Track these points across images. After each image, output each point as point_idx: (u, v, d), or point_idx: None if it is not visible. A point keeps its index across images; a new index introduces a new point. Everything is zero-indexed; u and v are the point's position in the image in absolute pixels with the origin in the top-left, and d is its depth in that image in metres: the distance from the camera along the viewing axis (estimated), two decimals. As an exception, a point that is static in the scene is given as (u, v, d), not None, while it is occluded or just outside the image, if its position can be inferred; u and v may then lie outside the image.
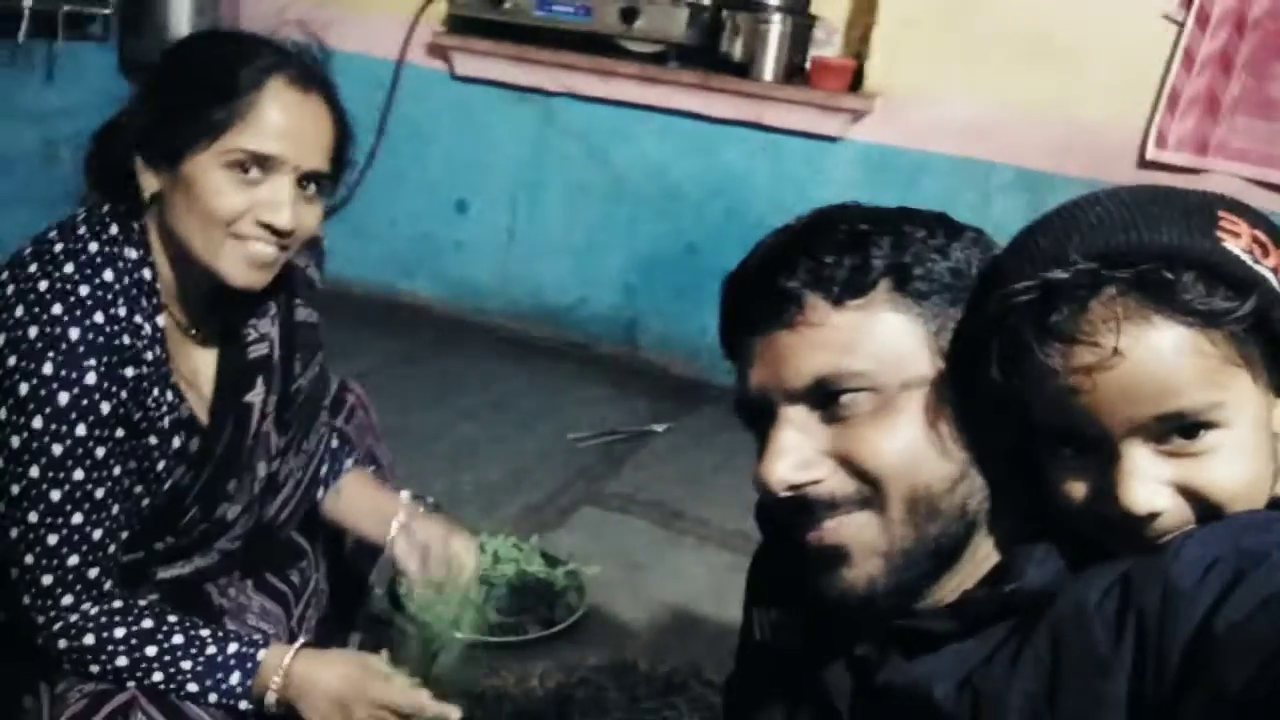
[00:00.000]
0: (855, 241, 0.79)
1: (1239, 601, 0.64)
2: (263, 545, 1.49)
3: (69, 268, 1.18)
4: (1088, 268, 0.68)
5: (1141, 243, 0.68)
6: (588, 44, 3.30)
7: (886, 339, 0.78)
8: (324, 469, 1.55)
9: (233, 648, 1.26)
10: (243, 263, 1.23)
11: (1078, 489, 0.74)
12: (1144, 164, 2.84)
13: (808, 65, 3.18)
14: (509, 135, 3.49)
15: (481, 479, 2.57)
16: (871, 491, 0.77)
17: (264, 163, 1.19)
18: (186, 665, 1.23)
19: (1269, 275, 0.69)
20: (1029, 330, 0.70)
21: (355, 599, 1.75)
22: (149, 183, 1.20)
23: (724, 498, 2.54)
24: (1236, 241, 0.69)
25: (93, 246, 1.21)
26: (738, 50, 3.16)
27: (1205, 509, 0.71)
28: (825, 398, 0.78)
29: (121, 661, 1.22)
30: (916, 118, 3.04)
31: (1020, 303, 0.70)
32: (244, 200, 1.19)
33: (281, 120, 1.19)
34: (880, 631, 0.83)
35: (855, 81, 3.12)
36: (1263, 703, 0.59)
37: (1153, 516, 0.70)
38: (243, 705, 1.25)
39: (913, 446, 0.77)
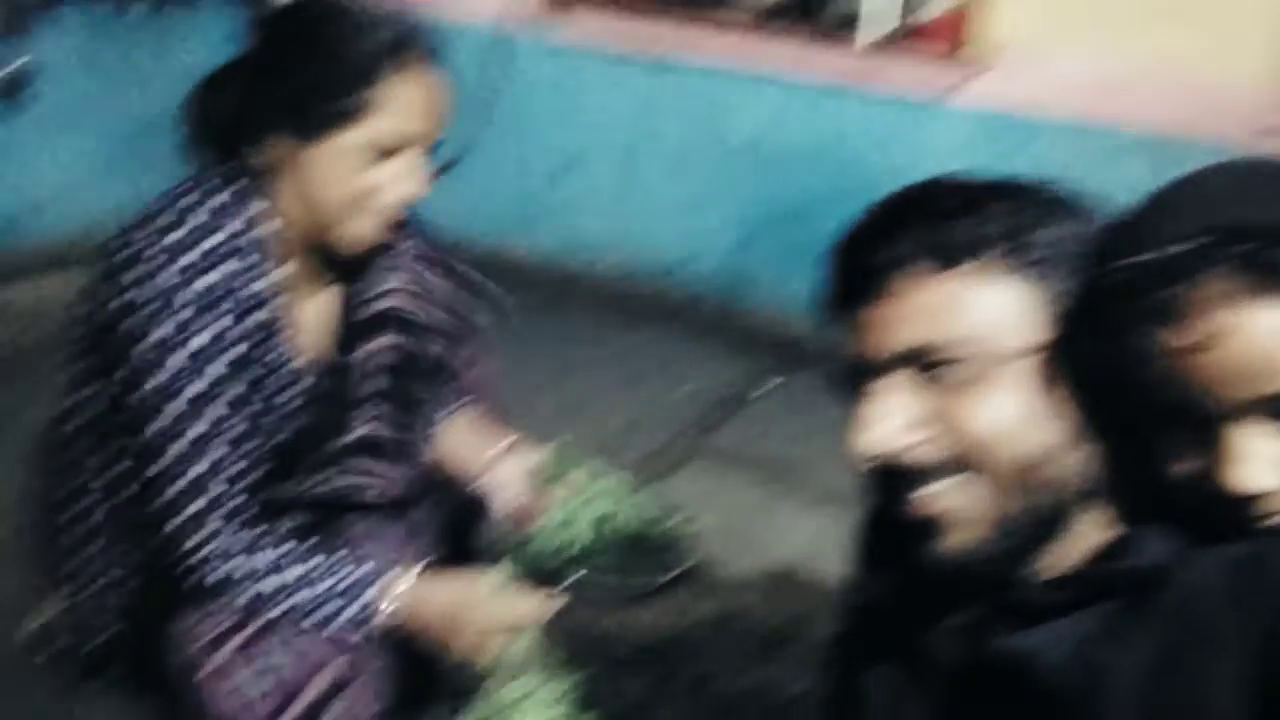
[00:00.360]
0: (965, 208, 0.80)
1: None
2: (390, 477, 1.57)
3: (196, 220, 1.26)
4: (1197, 245, 0.68)
5: (1254, 220, 0.67)
6: (696, 2, 3.29)
7: (993, 307, 0.78)
8: (440, 408, 1.61)
9: (366, 568, 1.34)
10: (368, 229, 1.30)
11: (1185, 467, 0.74)
12: (1268, 130, 2.71)
13: (918, 24, 3.11)
14: (617, 95, 3.51)
15: (591, 434, 2.63)
16: (972, 459, 0.78)
17: (401, 143, 1.25)
18: (323, 587, 1.32)
19: None
20: (1137, 307, 0.70)
21: (474, 536, 1.83)
22: (280, 149, 1.27)
23: (833, 455, 2.52)
24: None
25: (218, 200, 1.28)
26: (846, 9, 3.12)
27: None
28: (927, 364, 0.78)
29: (263, 587, 1.31)
30: (1032, 77, 2.96)
31: (1129, 278, 0.71)
32: (375, 179, 1.25)
33: (417, 101, 1.25)
34: (984, 600, 0.84)
35: (967, 41, 3.05)
36: None
37: (1260, 496, 0.70)
38: (376, 622, 1.32)
39: (1016, 415, 0.77)
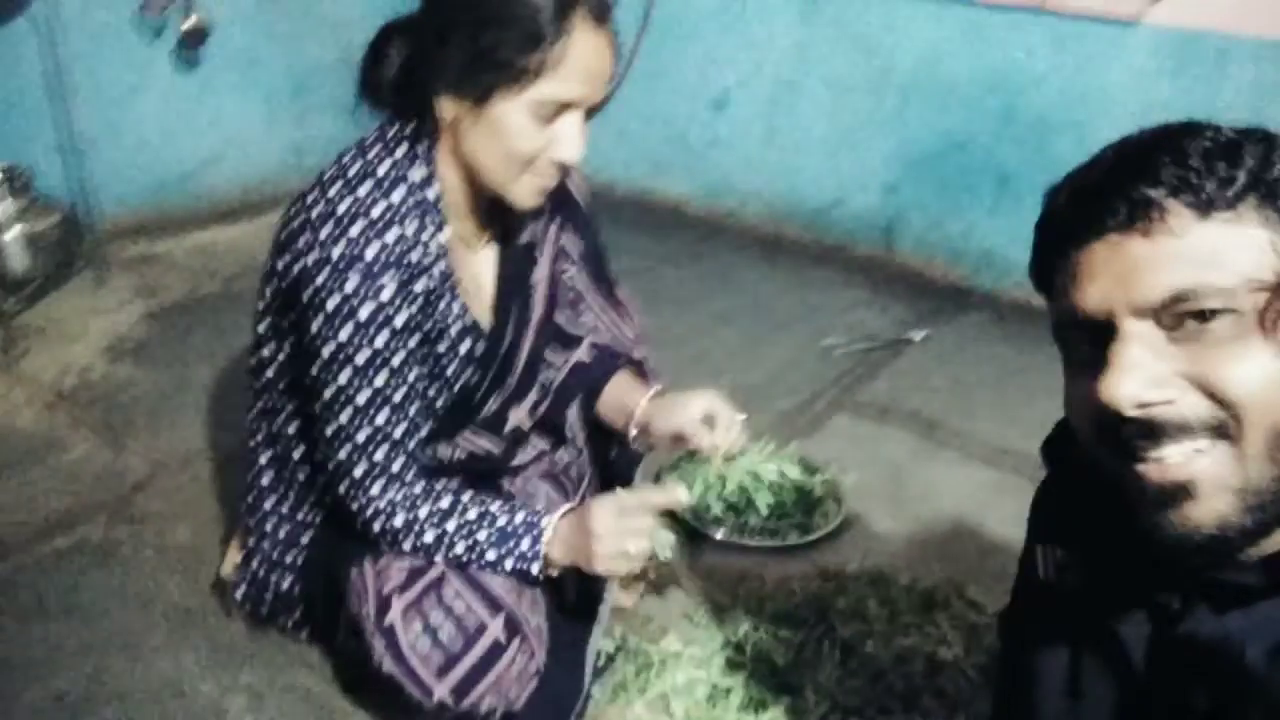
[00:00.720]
0: (1224, 151, 0.74)
1: None
2: (544, 437, 1.60)
3: (364, 189, 1.29)
4: None
5: None
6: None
7: (1253, 256, 0.72)
8: (596, 368, 1.62)
9: (520, 516, 1.38)
10: (533, 192, 1.30)
11: None
12: None
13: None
14: (771, 30, 3.40)
15: (737, 384, 2.58)
16: (1228, 420, 0.72)
17: (568, 106, 1.24)
18: (483, 535, 1.37)
19: None
20: None
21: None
22: (447, 110, 1.28)
23: (986, 411, 2.46)
24: None
25: (383, 168, 1.31)
26: (1022, -73, 2.90)
27: None
28: (1179, 315, 0.73)
29: (428, 537, 1.37)
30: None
31: None
32: (543, 140, 1.25)
33: (586, 67, 1.24)
34: (1187, 580, 0.79)
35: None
36: None
37: None
38: (534, 568, 1.37)
39: (1274, 377, 0.72)
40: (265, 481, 1.55)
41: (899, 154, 3.27)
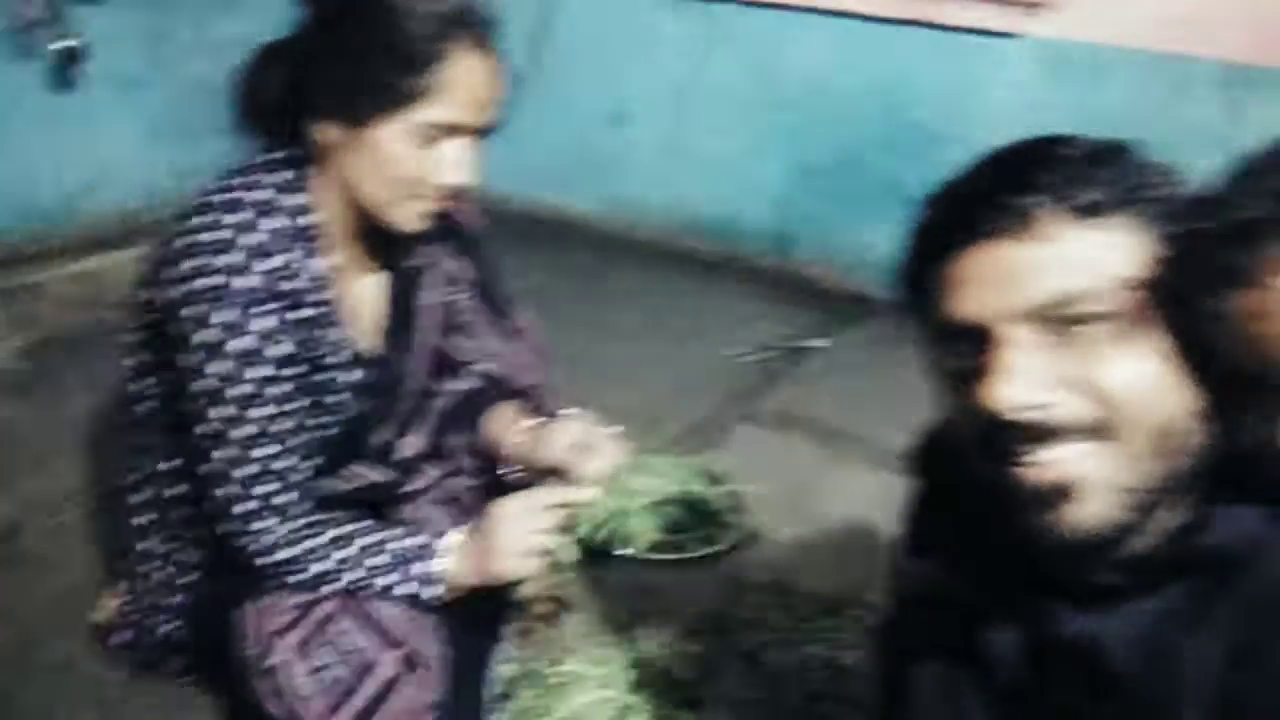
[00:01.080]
0: (1092, 160, 0.76)
1: None
2: (438, 464, 1.57)
3: (236, 217, 1.23)
4: (1266, 210, 0.65)
5: None
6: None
7: (1124, 260, 0.74)
8: (480, 398, 1.59)
9: (414, 541, 1.34)
10: (416, 216, 1.27)
11: (1259, 436, 0.70)
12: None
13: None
14: (669, 44, 3.42)
15: (641, 397, 2.61)
16: (1107, 421, 0.73)
17: (449, 131, 1.21)
18: (375, 563, 1.32)
19: None
20: (1208, 270, 0.68)
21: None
22: (326, 134, 1.24)
23: (885, 416, 2.49)
24: None
25: (258, 195, 1.26)
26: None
27: None
28: (1057, 320, 0.74)
29: (317, 569, 1.32)
30: (1100, 8, 2.81)
31: (1203, 241, 0.69)
32: (425, 164, 1.22)
33: (468, 91, 1.21)
34: (1057, 585, 0.80)
35: (1034, -29, 2.90)
36: None
37: None
38: (429, 593, 1.33)
39: (1153, 377, 0.73)
40: (143, 522, 1.48)
41: (796, 166, 3.32)
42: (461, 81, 1.20)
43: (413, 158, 1.22)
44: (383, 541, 1.35)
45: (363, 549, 1.34)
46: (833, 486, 2.26)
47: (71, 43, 3.00)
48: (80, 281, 3.06)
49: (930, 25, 3.01)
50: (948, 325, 0.78)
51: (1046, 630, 0.81)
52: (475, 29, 1.22)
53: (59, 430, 2.32)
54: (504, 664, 1.64)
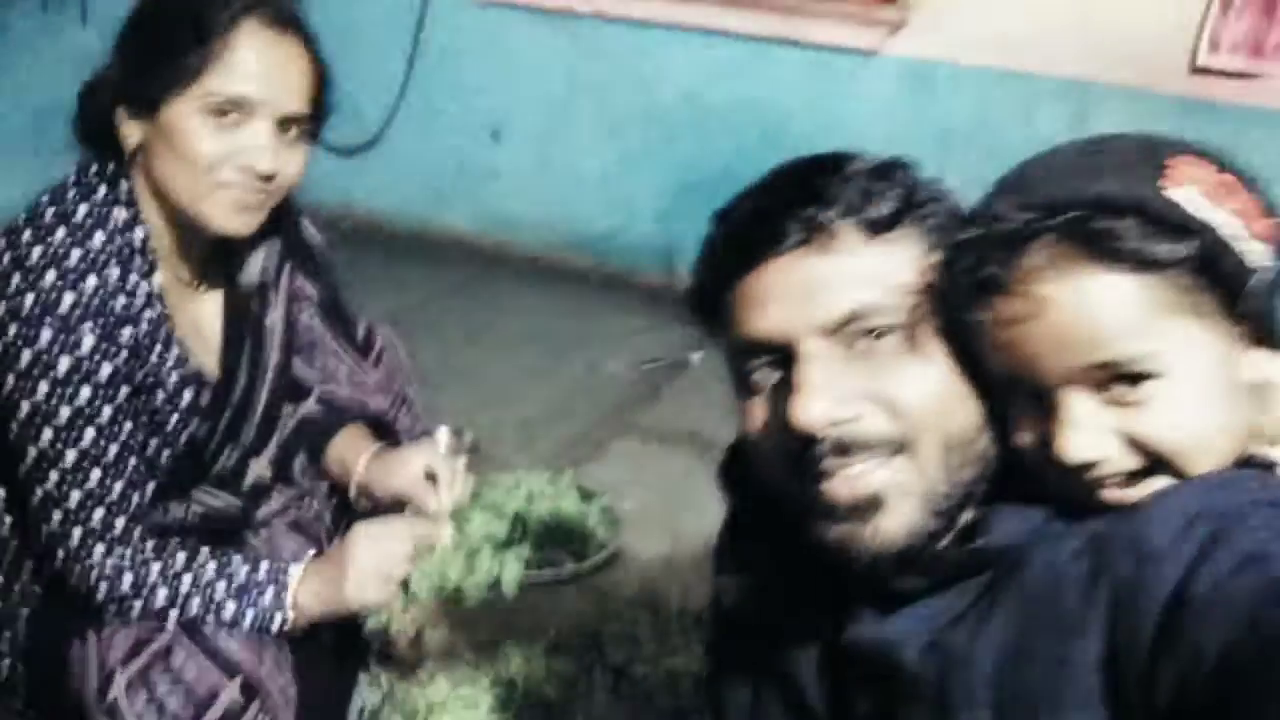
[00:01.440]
0: (880, 175, 0.77)
1: (1218, 562, 0.63)
2: (288, 489, 1.54)
3: (59, 234, 1.20)
4: (1022, 219, 0.68)
5: (1078, 192, 0.67)
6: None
7: (913, 275, 0.75)
8: (331, 416, 1.56)
9: (264, 568, 1.31)
10: (227, 209, 1.24)
11: (1030, 438, 0.73)
12: (1195, 70, 2.71)
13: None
14: (541, 60, 3.43)
15: (519, 413, 2.61)
16: (906, 434, 0.74)
17: (242, 106, 1.19)
18: (221, 588, 1.29)
19: (1223, 221, 0.67)
20: (973, 279, 0.70)
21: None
22: (131, 133, 1.21)
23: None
24: (1184, 188, 0.67)
25: (81, 210, 1.22)
26: (770, -37, 3.06)
27: (1153, 459, 0.70)
28: (854, 334, 0.74)
29: (160, 595, 1.28)
30: (954, 28, 2.93)
31: (967, 252, 0.71)
32: (224, 145, 1.19)
33: (257, 62, 1.19)
34: (857, 595, 0.81)
35: (893, -8, 3.01)
36: (1245, 667, 0.58)
37: (1090, 466, 0.69)
38: (278, 620, 1.30)
39: (946, 387, 0.75)
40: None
41: (672, 181, 3.36)
42: (251, 55, 1.18)
43: (209, 136, 1.19)
44: (229, 569, 1.32)
45: (210, 576, 1.30)
46: (705, 498, 2.28)
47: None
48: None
49: (798, 43, 3.09)
50: (748, 342, 0.78)
51: (846, 641, 0.81)
52: (263, 6, 1.21)
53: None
54: (367, 691, 1.62)
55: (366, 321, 1.71)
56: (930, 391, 0.74)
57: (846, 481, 0.75)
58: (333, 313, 1.56)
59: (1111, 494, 0.71)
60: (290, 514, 1.55)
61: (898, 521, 0.75)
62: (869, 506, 0.75)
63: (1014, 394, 0.73)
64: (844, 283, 0.74)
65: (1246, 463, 0.75)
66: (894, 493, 0.75)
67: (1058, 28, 2.82)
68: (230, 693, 1.27)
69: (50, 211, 1.22)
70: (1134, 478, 0.70)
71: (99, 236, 1.22)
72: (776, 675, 0.90)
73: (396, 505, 1.50)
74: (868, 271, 0.75)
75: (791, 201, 0.76)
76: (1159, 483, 0.70)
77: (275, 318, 1.45)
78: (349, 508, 1.62)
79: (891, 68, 3.04)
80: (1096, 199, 0.66)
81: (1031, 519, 0.75)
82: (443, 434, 2.29)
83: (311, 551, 1.37)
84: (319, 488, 1.57)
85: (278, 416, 1.48)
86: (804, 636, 0.87)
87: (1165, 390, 0.68)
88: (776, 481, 0.80)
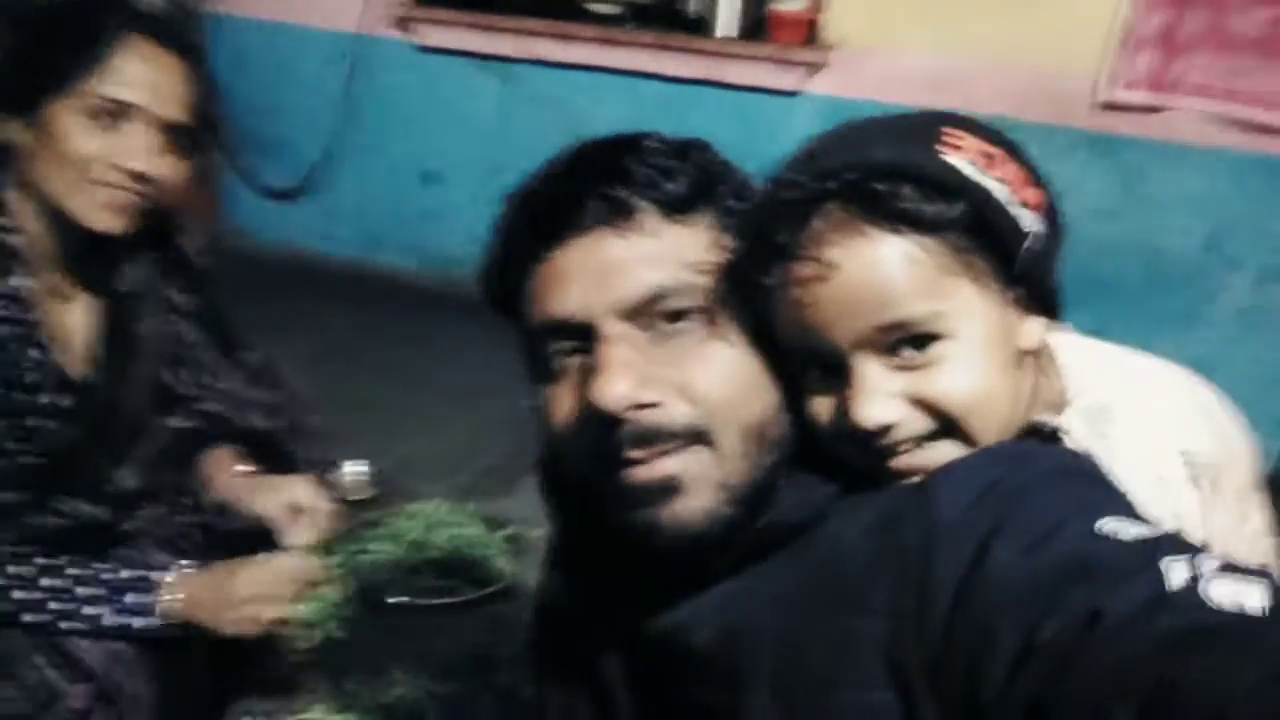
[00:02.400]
0: (677, 156, 0.77)
1: (1010, 538, 0.62)
2: (160, 501, 1.52)
3: None
4: (805, 187, 0.69)
5: (858, 159, 0.68)
6: (548, 8, 3.28)
7: (711, 256, 0.75)
8: (206, 431, 1.55)
9: (126, 573, 1.31)
10: (100, 206, 1.26)
11: (824, 410, 0.73)
12: (1103, 106, 2.78)
13: (769, 18, 3.14)
14: (474, 104, 3.49)
15: (439, 446, 2.61)
16: (705, 422, 0.73)
17: (122, 110, 1.23)
18: (83, 592, 1.28)
19: (993, 185, 0.69)
20: (761, 249, 0.70)
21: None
22: (9, 132, 1.24)
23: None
24: (958, 154, 0.69)
25: None
26: (695, 7, 3.13)
27: (942, 421, 0.70)
28: (655, 316, 0.74)
29: (20, 595, 1.27)
30: (873, 69, 3.00)
31: (754, 222, 0.72)
32: (101, 145, 1.23)
33: (139, 70, 1.24)
34: (661, 586, 0.79)
35: (816, 35, 3.08)
36: (1047, 650, 0.56)
37: (885, 430, 0.69)
38: (138, 622, 1.29)
39: (743, 373, 0.74)
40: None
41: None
42: (131, 63, 1.23)
43: (86, 135, 1.23)
44: (95, 572, 1.31)
45: (74, 579, 1.29)
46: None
47: None
48: None
49: (721, 85, 3.15)
50: (548, 324, 0.76)
51: (645, 632, 0.80)
52: (148, 21, 1.26)
53: None
54: (244, 714, 1.59)
55: (261, 351, 1.72)
56: (729, 377, 0.74)
57: (646, 467, 0.73)
58: (212, 329, 1.56)
59: (903, 461, 0.71)
60: (158, 528, 1.53)
61: (695, 507, 0.73)
62: (668, 490, 0.73)
63: (807, 366, 0.73)
64: (643, 263, 0.73)
65: (1031, 432, 0.76)
66: (691, 478, 0.73)
67: (970, 69, 2.89)
68: (75, 695, 1.26)
69: None
70: (924, 441, 0.71)
71: None
72: (587, 674, 0.89)
73: (263, 529, 1.50)
74: (667, 252, 0.74)
75: (589, 180, 0.75)
76: (948, 448, 0.71)
77: (148, 327, 1.46)
78: (218, 525, 1.61)
79: (812, 106, 3.10)
80: (875, 164, 0.67)
81: (820, 493, 0.75)
82: (348, 466, 2.27)
83: (179, 564, 1.36)
84: (189, 503, 1.56)
85: (146, 425, 1.48)
86: (611, 634, 0.86)
87: (951, 351, 0.69)
88: (579, 469, 0.78)
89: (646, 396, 0.72)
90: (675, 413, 0.73)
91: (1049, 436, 0.76)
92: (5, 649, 1.27)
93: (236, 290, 3.82)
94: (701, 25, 3.12)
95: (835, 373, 0.71)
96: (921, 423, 0.70)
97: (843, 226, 0.67)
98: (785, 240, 0.69)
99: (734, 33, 3.09)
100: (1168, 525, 0.63)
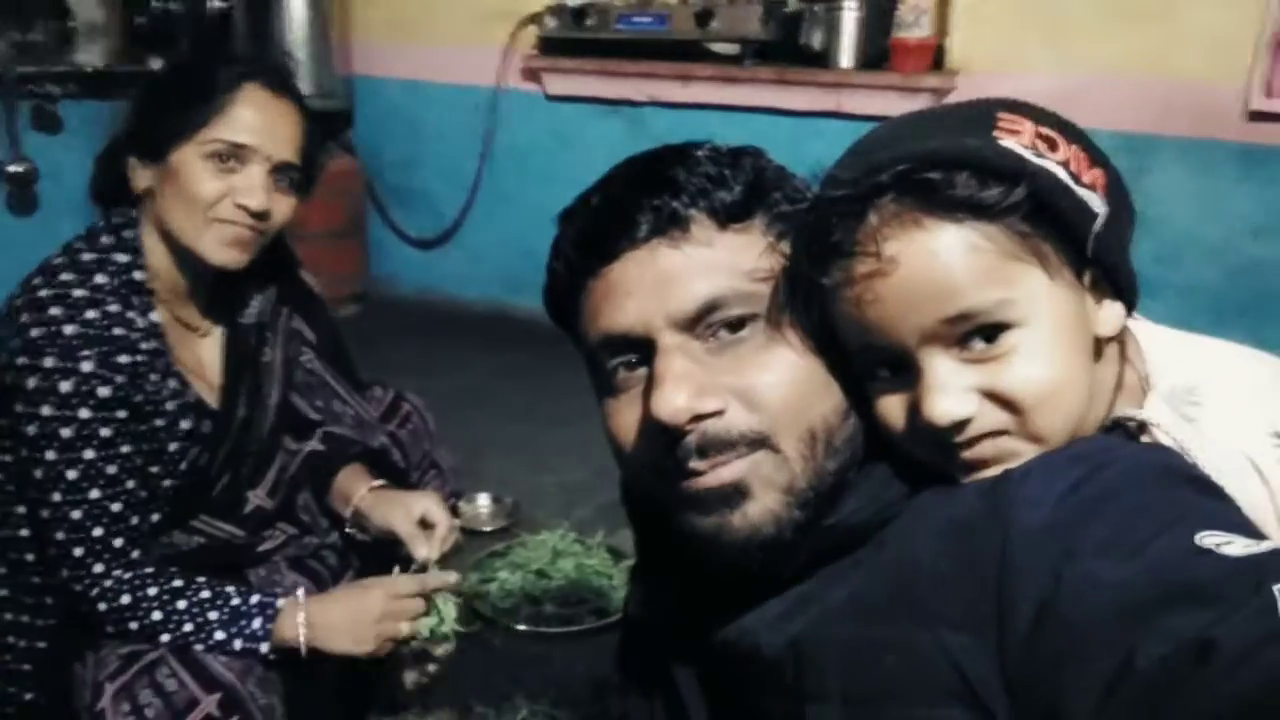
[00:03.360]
0: (729, 164, 0.77)
1: (1095, 551, 0.59)
2: (290, 525, 1.61)
3: (66, 275, 1.35)
4: (859, 183, 0.67)
5: (911, 150, 0.67)
6: (669, 51, 3.36)
7: (770, 265, 0.74)
8: (333, 453, 1.63)
9: (255, 598, 1.39)
10: (222, 243, 1.38)
11: (894, 409, 0.71)
12: (1252, 116, 2.62)
13: (890, 48, 3.11)
14: (601, 147, 3.58)
15: (564, 480, 2.65)
16: (768, 427, 0.72)
17: (239, 152, 1.34)
18: (214, 615, 1.36)
19: (1055, 168, 0.67)
20: (815, 252, 0.69)
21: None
22: (141, 178, 1.38)
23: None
24: (1015, 138, 0.67)
25: (86, 256, 1.38)
26: (815, 41, 3.14)
27: (1015, 413, 0.68)
28: (712, 325, 0.73)
29: (156, 616, 1.36)
30: (1002, 91, 2.90)
31: (814, 222, 0.70)
32: (222, 186, 1.35)
33: (254, 116, 1.36)
34: (733, 597, 0.78)
35: (938, 61, 3.04)
36: (1136, 681, 0.53)
37: (959, 426, 0.67)
38: (264, 648, 1.36)
39: (805, 377, 0.73)
40: (3, 593, 1.53)
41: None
42: (249, 110, 1.35)
43: (209, 178, 1.35)
44: (225, 595, 1.39)
45: (205, 600, 1.38)
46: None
47: (23, 170, 3.20)
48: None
49: (840, 115, 3.14)
50: (606, 338, 0.76)
51: (715, 641, 0.79)
52: (263, 72, 1.39)
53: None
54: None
55: (394, 390, 1.81)
56: (790, 381, 0.73)
57: (713, 473, 0.73)
58: (333, 357, 1.66)
59: (977, 454, 0.69)
60: (290, 549, 1.62)
61: (762, 510, 0.73)
62: (735, 494, 0.73)
63: (874, 365, 0.71)
64: (699, 273, 0.73)
65: (1116, 426, 0.73)
66: (757, 482, 0.73)
67: (1106, 85, 2.79)
68: (209, 704, 1.33)
69: (60, 260, 1.38)
70: (999, 436, 0.68)
71: (100, 277, 1.36)
72: (664, 684, 0.89)
73: (392, 544, 1.56)
74: (722, 261, 0.74)
75: (641, 192, 0.75)
76: (1024, 443, 0.68)
77: (274, 356, 1.56)
78: (350, 546, 1.69)
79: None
80: (928, 154, 0.66)
81: (890, 493, 0.73)
82: (480, 498, 2.34)
83: (301, 590, 1.43)
84: (321, 526, 1.64)
85: (277, 448, 1.57)
86: (684, 643, 0.86)
87: (1022, 341, 0.67)
88: (645, 482, 0.78)
89: (707, 406, 0.72)
90: (737, 419, 0.72)
91: (1135, 431, 0.72)
92: (146, 662, 1.35)
93: (383, 334, 4.01)
94: (822, 58, 3.12)
95: (903, 370, 0.69)
96: (996, 416, 0.68)
97: (899, 219, 0.66)
98: (842, 238, 0.67)
99: (855, 64, 3.08)
100: (1271, 539, 0.59)
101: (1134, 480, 0.63)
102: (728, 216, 0.75)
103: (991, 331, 0.67)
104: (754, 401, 0.72)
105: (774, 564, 0.75)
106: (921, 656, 0.65)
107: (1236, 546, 0.56)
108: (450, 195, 3.87)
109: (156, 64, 3.23)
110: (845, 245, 0.67)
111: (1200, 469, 0.67)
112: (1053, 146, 0.67)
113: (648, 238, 0.74)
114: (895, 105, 3.05)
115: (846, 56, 3.08)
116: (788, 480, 0.73)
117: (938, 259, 0.65)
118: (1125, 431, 0.72)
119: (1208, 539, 0.57)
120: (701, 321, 0.73)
